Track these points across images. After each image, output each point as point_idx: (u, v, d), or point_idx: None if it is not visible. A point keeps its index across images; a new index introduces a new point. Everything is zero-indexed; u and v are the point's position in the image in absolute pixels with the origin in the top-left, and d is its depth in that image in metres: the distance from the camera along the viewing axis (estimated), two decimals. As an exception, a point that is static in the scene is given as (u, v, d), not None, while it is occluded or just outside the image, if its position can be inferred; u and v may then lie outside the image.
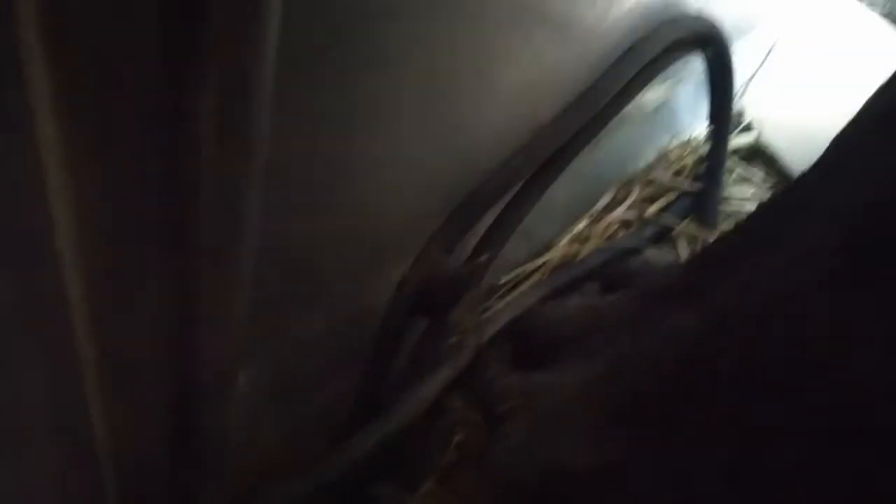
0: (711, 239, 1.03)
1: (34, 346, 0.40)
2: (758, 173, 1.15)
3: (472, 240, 0.79)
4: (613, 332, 0.66)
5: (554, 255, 0.94)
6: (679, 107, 1.14)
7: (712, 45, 0.94)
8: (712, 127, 1.04)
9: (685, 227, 1.04)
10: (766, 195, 1.13)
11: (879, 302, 0.39)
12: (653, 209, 1.04)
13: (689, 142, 1.14)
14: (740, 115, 1.16)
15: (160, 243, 0.32)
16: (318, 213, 0.57)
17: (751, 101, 1.16)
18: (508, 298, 0.85)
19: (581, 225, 0.99)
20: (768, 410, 0.44)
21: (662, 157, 1.13)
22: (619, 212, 1.01)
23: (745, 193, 1.14)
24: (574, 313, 0.74)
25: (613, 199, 1.06)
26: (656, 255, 0.90)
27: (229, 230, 0.33)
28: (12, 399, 0.42)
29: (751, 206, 1.12)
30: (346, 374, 0.74)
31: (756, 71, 1.14)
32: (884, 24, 1.24)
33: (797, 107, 1.14)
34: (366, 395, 0.73)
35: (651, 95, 1.03)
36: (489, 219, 0.78)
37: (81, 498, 0.51)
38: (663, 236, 1.04)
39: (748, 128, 1.16)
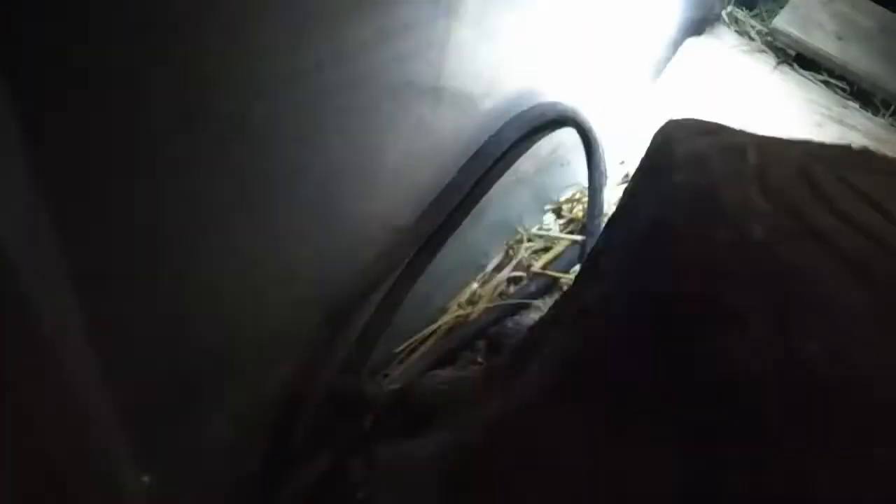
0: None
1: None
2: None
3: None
4: (465, 404, 0.78)
5: (446, 319, 1.06)
6: (571, 164, 1.26)
7: (574, 124, 1.07)
8: (588, 187, 1.16)
9: (571, 277, 1.16)
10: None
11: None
12: (541, 262, 1.17)
13: (579, 195, 1.26)
14: (626, 173, 1.29)
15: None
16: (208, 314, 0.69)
17: (631, 157, 1.29)
18: (402, 366, 0.98)
19: (473, 286, 1.12)
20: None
21: (555, 211, 1.26)
22: (507, 272, 1.13)
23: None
24: (443, 385, 0.87)
25: (505, 255, 1.18)
26: (532, 314, 1.02)
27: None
28: None
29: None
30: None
31: (631, 134, 1.27)
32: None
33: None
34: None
35: (541, 154, 1.16)
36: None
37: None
38: (552, 286, 1.17)
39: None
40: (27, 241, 0.39)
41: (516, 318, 1.03)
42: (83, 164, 0.46)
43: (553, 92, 1.05)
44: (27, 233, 0.39)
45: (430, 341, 1.04)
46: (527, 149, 1.03)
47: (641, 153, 0.59)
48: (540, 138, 1.05)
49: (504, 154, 0.98)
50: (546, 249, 1.20)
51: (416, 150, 0.85)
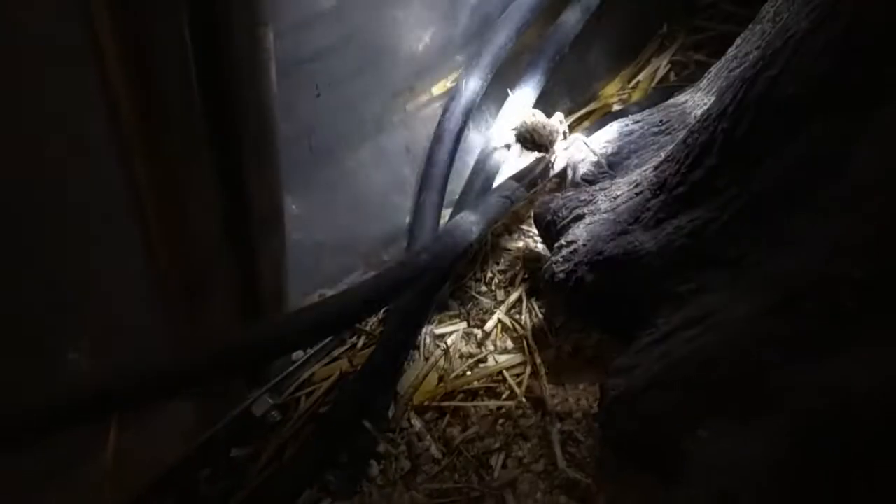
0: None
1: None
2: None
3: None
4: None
5: (599, 103, 0.92)
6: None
7: None
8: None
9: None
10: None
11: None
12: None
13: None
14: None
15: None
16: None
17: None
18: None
19: (627, 70, 0.97)
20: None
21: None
22: (668, 54, 0.97)
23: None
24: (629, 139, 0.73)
25: (660, 46, 1.02)
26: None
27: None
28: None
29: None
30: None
31: None
32: None
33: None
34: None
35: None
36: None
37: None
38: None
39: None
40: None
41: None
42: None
43: None
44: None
45: (586, 122, 0.90)
46: None
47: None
48: None
49: None
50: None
51: None
